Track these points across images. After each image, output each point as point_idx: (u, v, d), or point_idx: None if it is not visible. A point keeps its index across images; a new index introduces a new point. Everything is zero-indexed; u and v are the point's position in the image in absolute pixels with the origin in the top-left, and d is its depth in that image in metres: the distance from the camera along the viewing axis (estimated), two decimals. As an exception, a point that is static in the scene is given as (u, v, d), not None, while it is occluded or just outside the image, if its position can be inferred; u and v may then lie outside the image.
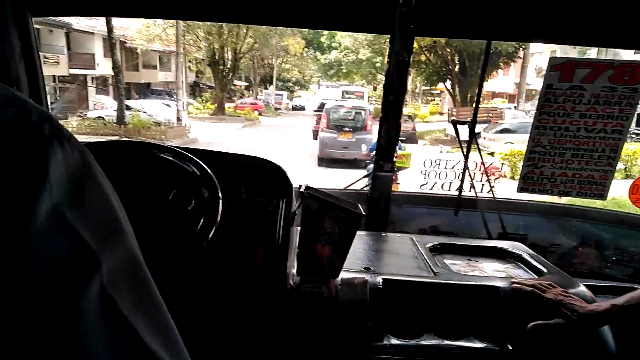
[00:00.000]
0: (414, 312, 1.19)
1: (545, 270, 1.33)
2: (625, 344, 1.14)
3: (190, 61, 29.04)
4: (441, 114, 29.63)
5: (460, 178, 1.90)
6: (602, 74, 1.64)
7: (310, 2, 1.59)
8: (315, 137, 15.30)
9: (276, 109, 31.86)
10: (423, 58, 21.01)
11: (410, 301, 1.20)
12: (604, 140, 1.71)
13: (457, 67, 20.99)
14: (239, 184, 1.21)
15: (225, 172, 1.16)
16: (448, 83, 22.19)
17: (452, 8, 1.55)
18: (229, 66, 23.47)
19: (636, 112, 1.69)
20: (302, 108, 35.81)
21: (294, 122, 24.73)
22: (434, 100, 34.46)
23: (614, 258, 1.90)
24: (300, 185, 1.19)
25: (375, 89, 32.86)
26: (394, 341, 1.12)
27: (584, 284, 1.25)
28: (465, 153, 1.83)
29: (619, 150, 1.72)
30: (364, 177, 2.03)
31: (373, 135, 12.25)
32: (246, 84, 35.33)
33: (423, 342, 1.12)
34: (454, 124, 1.78)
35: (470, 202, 1.94)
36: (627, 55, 11.44)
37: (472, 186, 1.93)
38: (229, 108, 24.98)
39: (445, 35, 1.93)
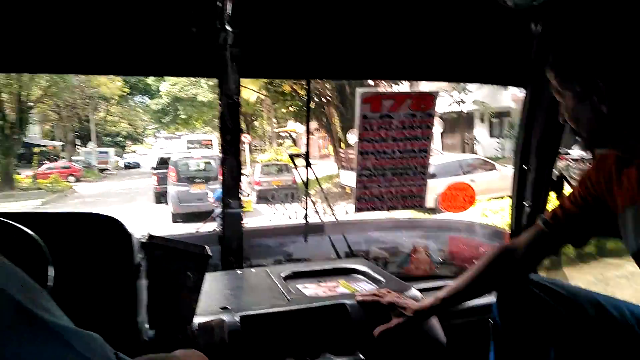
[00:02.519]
0: (273, 342, 1.37)
1: (384, 280, 1.68)
2: (452, 332, 1.54)
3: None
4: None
5: (305, 206, 2.29)
6: (403, 103, 2.18)
7: (127, 47, 1.69)
8: (158, 200, 15.27)
9: (101, 170, 29.71)
10: (287, 89, 17.35)
11: (268, 332, 1.38)
12: (414, 158, 2.24)
13: (336, 96, 17.13)
14: (70, 244, 1.18)
15: (51, 233, 1.12)
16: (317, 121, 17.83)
17: (273, 49, 1.85)
18: (12, 120, 19.19)
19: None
20: (136, 165, 34.20)
21: (125, 185, 22.76)
22: (282, 143, 35.59)
23: (440, 259, 2.47)
24: (143, 235, 1.25)
25: (223, 135, 32.69)
26: None
27: (416, 288, 1.62)
28: (305, 182, 2.24)
29: (426, 165, 2.27)
30: (212, 218, 2.28)
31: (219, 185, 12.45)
32: (62, 143, 32.61)
33: None
34: (291, 157, 2.18)
35: (317, 228, 2.32)
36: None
37: (316, 211, 2.33)
38: (25, 178, 20.99)
39: (269, 75, 2.33)
